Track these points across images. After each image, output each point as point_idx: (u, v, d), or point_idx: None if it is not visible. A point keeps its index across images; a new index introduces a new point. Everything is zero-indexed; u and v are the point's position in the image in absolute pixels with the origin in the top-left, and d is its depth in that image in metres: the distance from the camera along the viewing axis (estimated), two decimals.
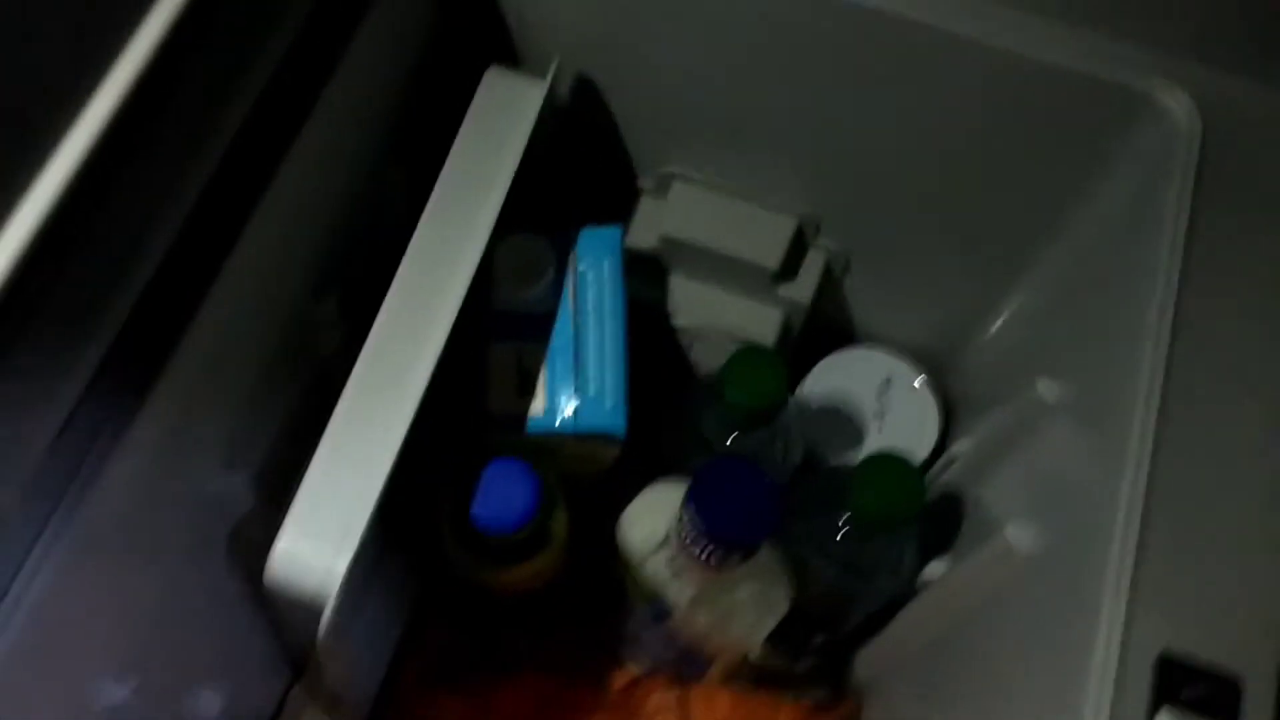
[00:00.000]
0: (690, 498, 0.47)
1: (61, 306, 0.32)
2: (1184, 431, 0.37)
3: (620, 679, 0.61)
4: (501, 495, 0.46)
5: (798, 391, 0.63)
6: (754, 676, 0.63)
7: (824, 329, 0.64)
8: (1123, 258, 0.45)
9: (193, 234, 0.36)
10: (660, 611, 0.54)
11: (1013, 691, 0.42)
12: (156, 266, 0.35)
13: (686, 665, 0.59)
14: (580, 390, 0.50)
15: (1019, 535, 0.43)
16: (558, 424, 0.50)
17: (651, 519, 0.53)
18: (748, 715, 0.59)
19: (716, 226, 0.56)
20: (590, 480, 0.56)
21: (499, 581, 0.52)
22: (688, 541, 0.48)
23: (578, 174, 0.57)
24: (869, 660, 0.62)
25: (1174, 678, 0.34)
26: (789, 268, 0.57)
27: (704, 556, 0.48)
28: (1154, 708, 0.33)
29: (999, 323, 0.58)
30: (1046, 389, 0.46)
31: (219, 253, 0.37)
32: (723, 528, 0.46)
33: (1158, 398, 0.38)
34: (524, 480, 0.46)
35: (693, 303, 0.59)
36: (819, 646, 0.65)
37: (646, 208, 0.58)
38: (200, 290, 0.36)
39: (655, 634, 0.58)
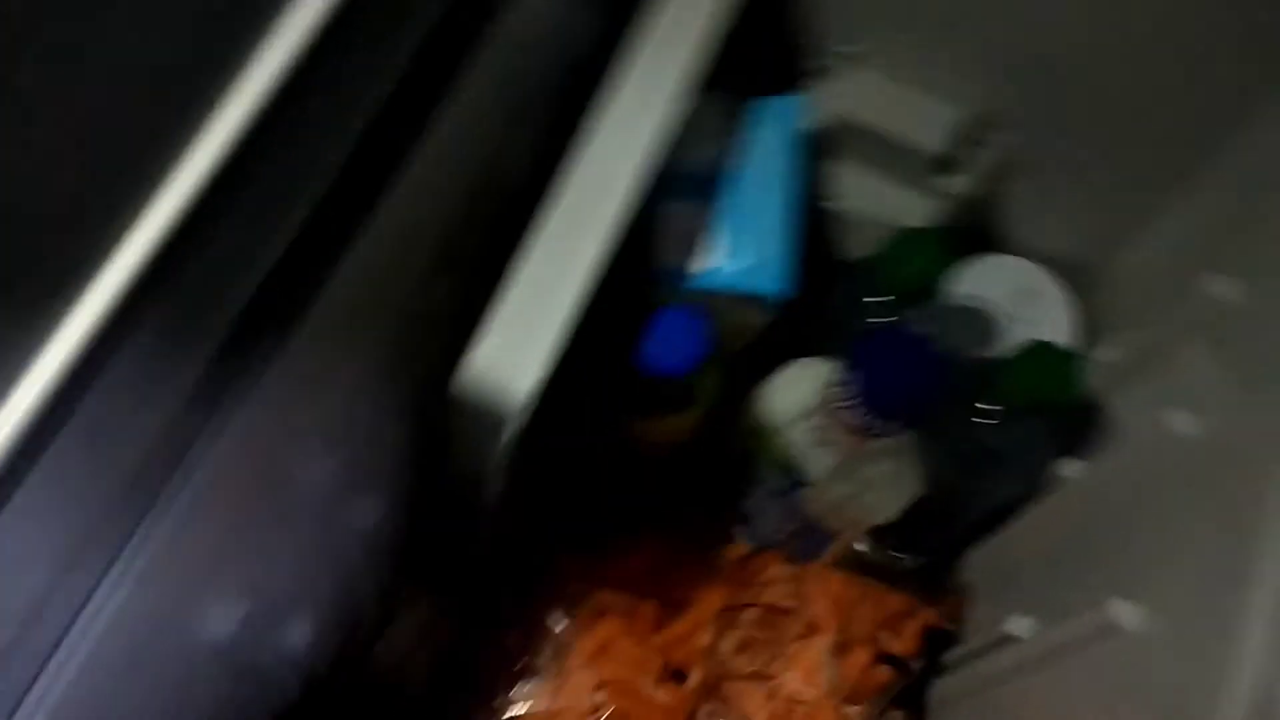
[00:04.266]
0: (854, 362, 0.48)
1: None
2: None
3: (736, 551, 0.62)
4: (673, 339, 0.48)
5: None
6: (857, 569, 0.64)
7: (967, 232, 0.64)
8: None
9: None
10: (793, 482, 0.56)
11: (1156, 578, 0.43)
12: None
13: (801, 543, 0.61)
14: (747, 252, 0.51)
15: (1185, 420, 0.43)
16: (722, 281, 0.51)
17: (798, 388, 0.54)
18: (859, 597, 0.61)
19: (886, 110, 0.56)
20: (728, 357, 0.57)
21: (644, 433, 0.54)
22: (843, 407, 0.49)
23: (763, 43, 0.57)
24: (976, 563, 0.63)
25: None
26: (951, 160, 0.57)
27: (858, 423, 0.49)
28: None
29: (1152, 232, 0.58)
30: (1226, 287, 0.46)
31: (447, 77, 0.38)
32: (883, 394, 0.48)
33: None
34: (696, 326, 0.48)
35: (850, 187, 0.59)
36: (925, 547, 0.66)
37: (819, 87, 0.58)
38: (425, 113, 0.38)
39: (778, 507, 0.59)
